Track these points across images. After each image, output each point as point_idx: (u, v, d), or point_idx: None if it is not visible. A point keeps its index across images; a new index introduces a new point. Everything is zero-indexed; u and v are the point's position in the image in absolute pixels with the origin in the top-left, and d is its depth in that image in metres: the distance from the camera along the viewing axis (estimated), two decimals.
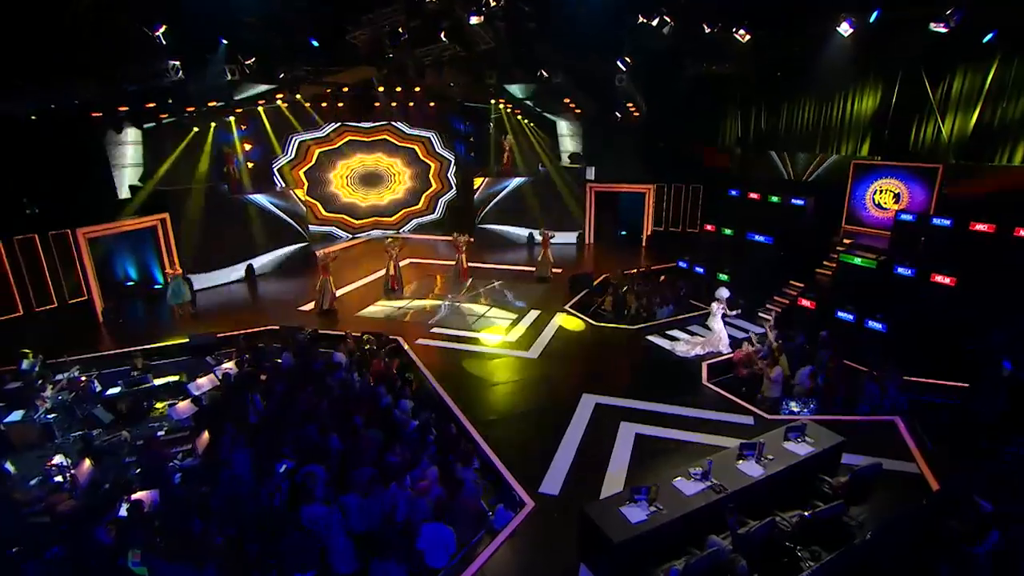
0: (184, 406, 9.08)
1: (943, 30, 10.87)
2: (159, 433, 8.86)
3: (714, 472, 6.24)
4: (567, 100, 18.19)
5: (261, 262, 17.17)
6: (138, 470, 7.71)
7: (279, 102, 18.20)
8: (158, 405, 9.71)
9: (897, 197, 14.26)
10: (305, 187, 20.54)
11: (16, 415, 8.81)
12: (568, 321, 13.18)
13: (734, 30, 13.14)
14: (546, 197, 20.22)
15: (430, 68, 14.34)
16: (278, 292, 15.86)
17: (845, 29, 12.03)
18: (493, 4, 11.74)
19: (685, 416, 8.92)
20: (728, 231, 15.97)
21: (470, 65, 15.24)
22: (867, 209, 14.95)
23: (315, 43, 12.57)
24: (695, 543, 5.72)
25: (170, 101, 13.01)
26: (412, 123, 21.78)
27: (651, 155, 19.98)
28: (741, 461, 6.52)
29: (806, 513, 6.00)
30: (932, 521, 5.84)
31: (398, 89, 18.60)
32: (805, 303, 12.67)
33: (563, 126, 21.40)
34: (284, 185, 19.80)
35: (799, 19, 13.16)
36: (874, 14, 11.71)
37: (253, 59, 12.23)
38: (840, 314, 11.80)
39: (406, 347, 11.62)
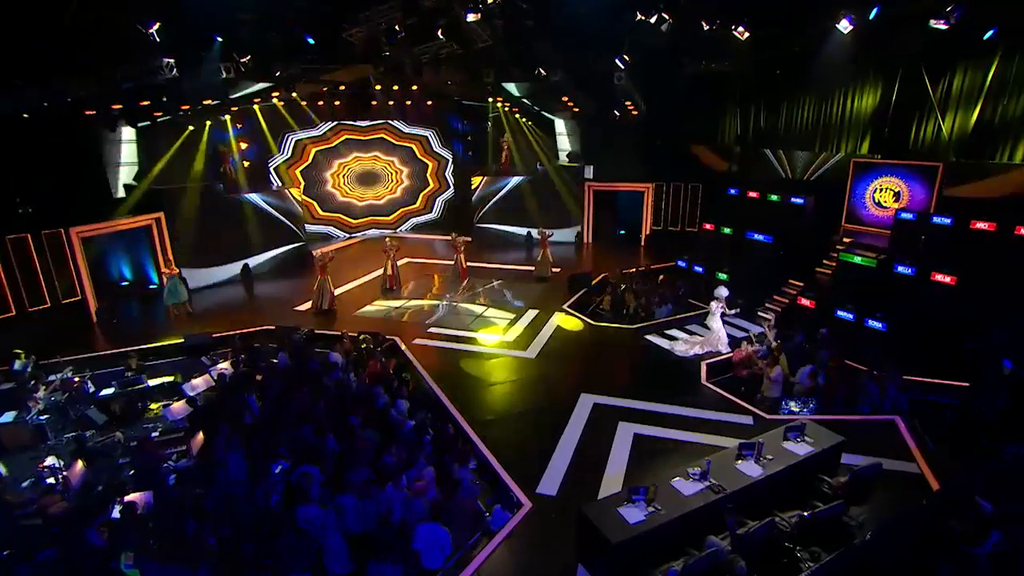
0: (179, 407, 9.01)
1: (943, 27, 10.81)
2: (153, 434, 8.83)
3: (713, 472, 6.21)
4: (565, 98, 18.12)
5: (257, 262, 17.08)
6: (132, 471, 7.66)
7: (275, 100, 18.10)
8: (152, 406, 9.66)
9: (897, 195, 14.21)
10: (302, 186, 20.45)
11: (8, 416, 8.74)
12: (566, 321, 13.13)
13: (733, 27, 13.06)
14: (544, 196, 20.18)
15: (427, 66, 14.30)
16: (274, 292, 15.79)
17: (845, 26, 11.97)
18: (490, 1, 11.68)
19: (684, 416, 8.88)
20: (727, 230, 15.91)
21: (467, 63, 15.19)
22: (867, 208, 14.90)
23: (311, 41, 12.49)
24: (694, 544, 5.69)
25: (164, 99, 12.91)
26: (409, 121, 21.70)
27: (650, 154, 19.90)
28: (740, 461, 6.49)
29: (805, 513, 5.98)
30: (932, 521, 5.82)
31: (395, 87, 18.59)
32: (805, 302, 12.64)
33: (561, 125, 21.35)
34: (280, 184, 19.71)
35: (798, 16, 13.08)
36: (874, 11, 11.64)
37: (248, 57, 12.12)
38: (840, 313, 11.77)
39: (403, 347, 11.57)
